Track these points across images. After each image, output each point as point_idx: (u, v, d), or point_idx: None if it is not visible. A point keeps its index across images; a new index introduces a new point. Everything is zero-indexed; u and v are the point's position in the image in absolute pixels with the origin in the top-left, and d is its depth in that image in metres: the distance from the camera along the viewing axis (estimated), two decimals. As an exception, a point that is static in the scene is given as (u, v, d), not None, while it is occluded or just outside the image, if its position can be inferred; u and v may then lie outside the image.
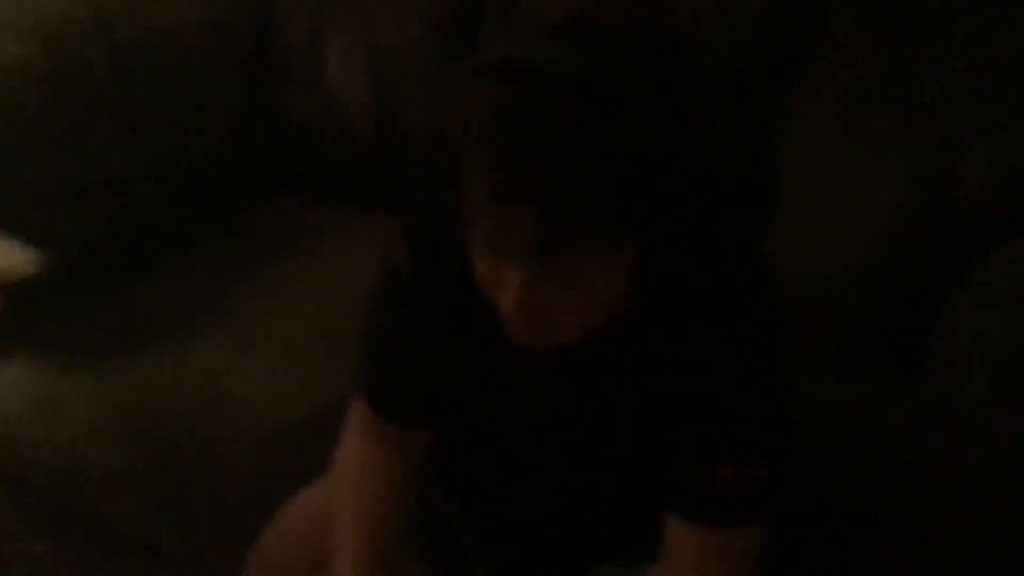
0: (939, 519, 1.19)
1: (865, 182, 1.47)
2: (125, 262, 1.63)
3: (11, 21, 1.67)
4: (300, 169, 1.84)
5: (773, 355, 1.03)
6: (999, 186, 1.41)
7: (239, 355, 1.52)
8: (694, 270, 1.02)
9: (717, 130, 1.51)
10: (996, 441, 1.18)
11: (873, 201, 1.46)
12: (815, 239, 1.49)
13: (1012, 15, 1.49)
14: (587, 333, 0.99)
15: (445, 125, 0.97)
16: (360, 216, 1.72)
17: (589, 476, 1.12)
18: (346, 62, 1.79)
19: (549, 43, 0.90)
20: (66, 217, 1.61)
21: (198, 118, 1.75)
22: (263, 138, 1.82)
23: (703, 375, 1.01)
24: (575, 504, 1.14)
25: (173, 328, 1.57)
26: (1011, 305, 1.25)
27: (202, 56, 1.76)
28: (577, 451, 1.10)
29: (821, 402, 1.32)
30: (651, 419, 1.04)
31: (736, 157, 1.57)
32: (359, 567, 1.15)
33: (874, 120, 1.48)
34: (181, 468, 1.45)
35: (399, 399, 1.17)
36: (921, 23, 1.53)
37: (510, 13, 1.69)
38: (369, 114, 1.77)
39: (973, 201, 1.42)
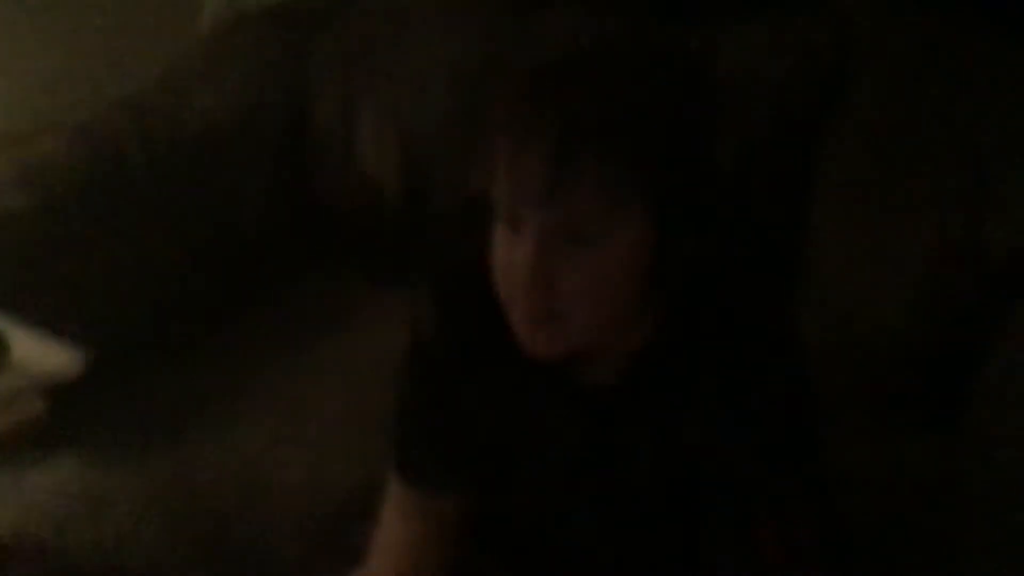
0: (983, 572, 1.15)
1: (897, 233, 1.46)
2: (163, 352, 1.64)
3: (55, 123, 1.73)
4: (334, 247, 1.85)
5: (805, 409, 1.03)
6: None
7: (278, 439, 1.52)
8: (715, 317, 1.03)
9: (746, 183, 1.50)
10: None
11: (906, 252, 1.45)
12: (848, 296, 1.48)
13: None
14: (593, 320, 0.98)
15: (472, 187, 1.00)
16: (393, 292, 1.72)
17: (620, 529, 1.10)
18: (377, 140, 1.81)
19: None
20: (106, 314, 1.63)
21: (233, 207, 1.78)
22: (298, 219, 1.85)
23: (725, 428, 1.01)
24: (608, 556, 1.11)
25: (212, 414, 1.57)
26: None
27: (235, 146, 1.79)
28: (606, 504, 1.09)
29: (860, 460, 1.29)
30: (678, 472, 1.03)
31: (765, 215, 1.56)
32: None
33: (904, 169, 1.47)
34: (226, 558, 1.44)
35: (431, 464, 1.16)
36: (951, 67, 1.52)
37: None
38: (401, 190, 1.79)
39: (1005, 254, 1.40)
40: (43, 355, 1.51)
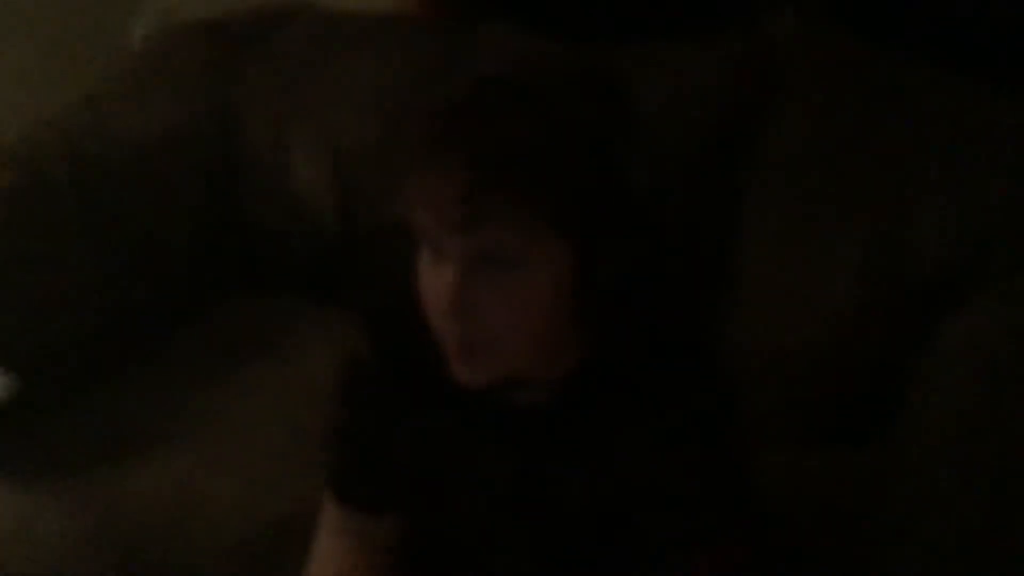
0: None
1: (823, 249, 1.49)
2: (92, 375, 1.63)
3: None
4: (267, 269, 1.85)
5: (727, 432, 1.05)
6: (956, 246, 1.43)
7: (212, 461, 1.51)
8: (635, 327, 1.05)
9: (670, 202, 1.52)
10: (962, 508, 1.18)
11: (832, 268, 1.48)
12: (776, 309, 1.51)
13: (962, 75, 1.52)
14: (520, 348, 1.00)
15: (401, 212, 1.02)
16: (327, 313, 1.73)
17: (553, 561, 1.11)
18: (309, 163, 1.81)
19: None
20: (33, 338, 1.61)
21: (162, 227, 1.77)
22: (229, 241, 1.84)
23: (654, 450, 1.03)
24: None
25: (144, 438, 1.56)
26: (973, 369, 1.25)
27: (165, 167, 1.78)
28: (539, 535, 1.10)
29: (787, 472, 1.32)
30: (610, 496, 1.04)
31: (690, 230, 1.58)
32: None
33: (831, 185, 1.50)
34: (159, 581, 1.43)
35: (364, 487, 1.18)
36: (872, 87, 1.56)
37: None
38: (333, 209, 1.79)
39: (931, 264, 1.43)
40: (-32, 380, 1.50)
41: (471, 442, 1.08)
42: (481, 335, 0.99)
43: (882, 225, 1.46)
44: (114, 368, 1.67)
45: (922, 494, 1.22)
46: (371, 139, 1.77)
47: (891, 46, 1.61)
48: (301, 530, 1.25)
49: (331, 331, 1.52)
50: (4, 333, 1.58)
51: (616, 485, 1.04)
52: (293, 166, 1.81)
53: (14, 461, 1.54)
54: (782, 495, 1.26)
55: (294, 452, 1.47)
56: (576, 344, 1.05)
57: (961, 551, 1.16)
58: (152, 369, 1.68)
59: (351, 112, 1.79)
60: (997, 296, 1.32)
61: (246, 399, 1.61)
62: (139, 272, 1.73)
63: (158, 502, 1.48)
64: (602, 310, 1.04)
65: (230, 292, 1.84)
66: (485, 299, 0.98)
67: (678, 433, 1.03)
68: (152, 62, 1.89)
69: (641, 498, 1.04)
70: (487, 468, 1.09)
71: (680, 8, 1.82)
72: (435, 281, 1.00)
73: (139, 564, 1.45)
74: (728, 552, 1.03)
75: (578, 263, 0.99)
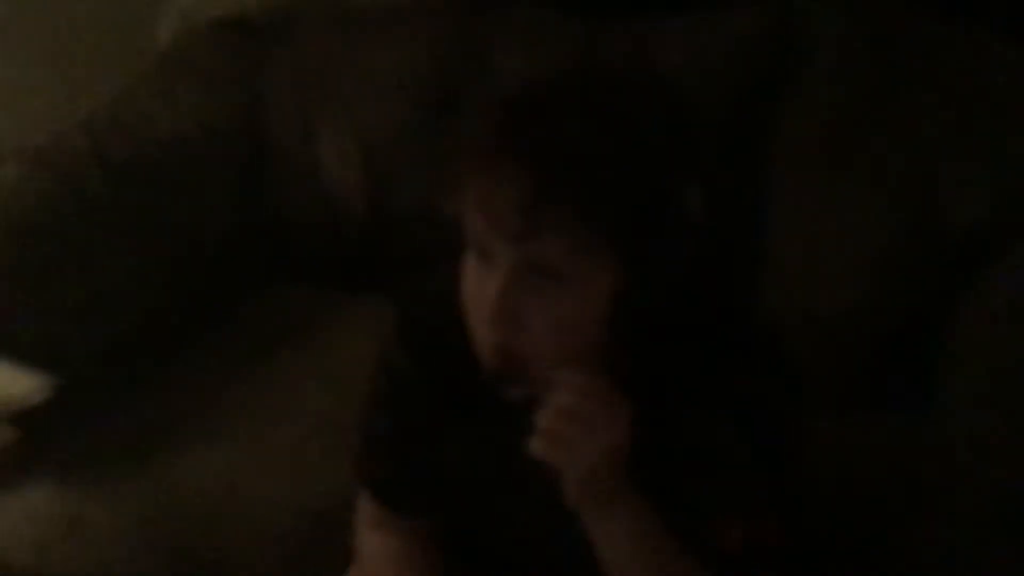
0: (950, 550, 1.17)
1: (852, 214, 1.48)
2: (132, 372, 1.64)
3: (12, 150, 1.73)
4: (301, 261, 1.85)
5: (781, 410, 1.03)
6: (985, 207, 1.42)
7: (251, 453, 1.52)
8: (680, 326, 1.02)
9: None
10: (1006, 468, 1.16)
11: (862, 233, 1.47)
12: (807, 277, 1.49)
13: (990, 38, 1.50)
14: (556, 357, 0.98)
15: (436, 201, 1.00)
16: (361, 302, 1.73)
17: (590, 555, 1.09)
18: (338, 154, 1.81)
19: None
20: (70, 338, 1.62)
21: (195, 224, 1.78)
22: (262, 235, 1.84)
23: (707, 436, 1.01)
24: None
25: (184, 431, 1.57)
26: (1011, 324, 1.24)
27: (196, 166, 1.79)
28: (577, 533, 1.07)
29: (826, 439, 1.30)
30: (653, 486, 1.02)
31: (719, 202, 1.57)
32: None
33: (857, 150, 1.49)
34: (203, 572, 1.44)
35: (404, 493, 1.17)
36: (899, 51, 1.53)
37: (492, 87, 1.72)
38: (362, 199, 1.79)
39: (961, 224, 1.42)
40: (10, 382, 1.51)
41: (508, 447, 1.05)
42: (521, 346, 0.97)
43: (910, 186, 1.44)
44: (154, 365, 1.68)
45: (962, 453, 1.21)
46: (398, 127, 1.77)
47: (910, 7, 1.59)
48: (342, 521, 1.25)
49: (366, 321, 1.52)
50: (42, 334, 1.60)
51: (664, 472, 1.02)
52: (321, 157, 1.81)
53: (58, 459, 1.56)
54: (820, 461, 1.26)
55: (335, 441, 1.46)
56: (612, 353, 1.01)
57: (998, 516, 1.14)
58: (192, 365, 1.69)
59: (377, 100, 1.79)
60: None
61: (283, 391, 1.62)
62: (175, 270, 1.74)
63: (202, 495, 1.49)
64: (644, 322, 1.00)
65: (268, 285, 1.84)
66: (530, 310, 0.96)
67: (730, 413, 1.01)
68: (178, 60, 1.90)
69: (685, 478, 1.02)
70: (524, 472, 1.06)
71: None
72: (479, 286, 0.98)
73: (186, 557, 1.46)
74: (762, 527, 1.01)
75: (628, 280, 0.96)
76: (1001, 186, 1.41)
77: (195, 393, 1.64)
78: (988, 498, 1.17)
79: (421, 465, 1.14)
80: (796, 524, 1.03)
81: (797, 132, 1.54)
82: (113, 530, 1.50)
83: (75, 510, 1.52)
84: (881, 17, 1.58)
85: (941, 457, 1.26)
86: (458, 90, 1.74)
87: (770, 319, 1.16)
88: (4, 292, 1.59)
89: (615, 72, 1.03)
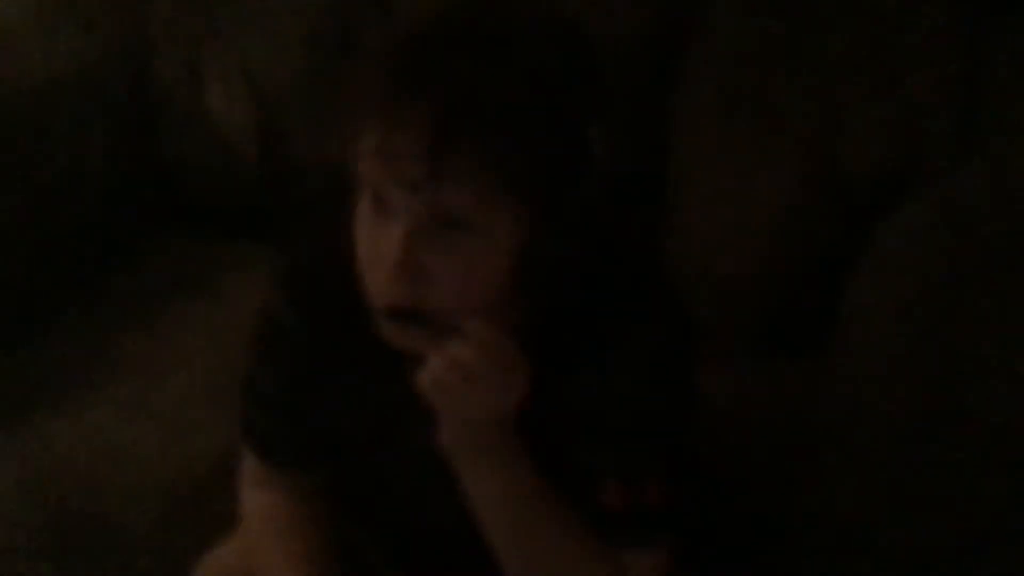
0: (844, 494, 1.18)
1: (754, 162, 1.46)
2: (8, 326, 1.58)
3: None
4: (188, 205, 1.79)
5: (672, 370, 1.01)
6: (884, 154, 1.41)
7: (134, 407, 1.48)
8: (586, 275, 0.99)
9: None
10: (894, 413, 1.17)
11: (764, 183, 1.45)
12: (709, 226, 1.48)
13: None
14: (459, 307, 0.94)
15: (331, 150, 0.95)
16: (252, 250, 1.68)
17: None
18: (226, 92, 1.74)
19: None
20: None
21: (74, 167, 1.69)
22: (149, 179, 1.78)
23: (597, 393, 0.99)
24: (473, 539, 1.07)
25: (65, 386, 1.52)
26: (902, 276, 1.24)
27: (74, 104, 1.70)
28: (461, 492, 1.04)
29: (726, 386, 1.30)
30: (537, 443, 1.00)
31: (620, 151, 1.55)
32: None
33: (758, 99, 1.48)
34: (84, 532, 1.39)
35: (287, 447, 1.14)
36: (800, 8, 1.51)
37: (389, 27, 1.66)
38: (254, 143, 1.73)
39: (863, 168, 1.41)
40: None
41: (396, 402, 1.02)
42: (424, 299, 0.92)
43: (813, 134, 1.43)
44: (35, 316, 1.61)
45: (854, 401, 1.21)
46: (292, 68, 1.71)
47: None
48: (226, 475, 1.21)
49: (260, 273, 1.47)
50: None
51: (551, 427, 1.00)
52: (209, 99, 1.74)
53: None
54: (723, 411, 1.26)
55: (221, 395, 1.43)
56: (516, 302, 0.98)
57: (892, 459, 1.15)
58: (73, 316, 1.63)
59: (268, 40, 1.72)
60: (929, 198, 1.29)
61: (169, 344, 1.57)
62: (53, 214, 1.67)
63: (82, 454, 1.44)
64: (551, 271, 0.97)
65: (155, 233, 1.77)
66: (433, 262, 0.91)
67: (623, 369, 0.99)
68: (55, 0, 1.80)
69: (571, 434, 1.00)
70: (412, 428, 1.03)
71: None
72: (376, 236, 0.93)
73: (67, 517, 1.40)
74: (643, 489, 0.99)
75: (534, 228, 0.93)
76: (902, 133, 1.40)
77: (78, 348, 1.58)
78: (883, 439, 1.18)
79: (304, 419, 1.11)
80: (677, 483, 1.02)
81: (698, 81, 1.52)
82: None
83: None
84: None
85: (835, 404, 1.26)
86: (354, 30, 1.68)
87: (669, 271, 1.14)
88: None
89: (516, 11, 0.97)
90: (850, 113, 1.42)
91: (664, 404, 1.00)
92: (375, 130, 0.90)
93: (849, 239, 1.38)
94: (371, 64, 0.93)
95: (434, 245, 0.91)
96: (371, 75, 0.92)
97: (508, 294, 0.96)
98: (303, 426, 1.11)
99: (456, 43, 0.91)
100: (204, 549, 1.23)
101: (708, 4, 1.53)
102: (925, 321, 1.19)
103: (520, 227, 0.92)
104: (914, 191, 1.34)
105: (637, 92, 1.54)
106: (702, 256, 1.46)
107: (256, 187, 1.75)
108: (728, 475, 1.26)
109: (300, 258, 1.11)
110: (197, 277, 1.68)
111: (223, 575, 1.21)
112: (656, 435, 1.00)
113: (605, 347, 0.99)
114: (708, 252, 1.47)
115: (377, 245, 0.93)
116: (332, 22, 1.70)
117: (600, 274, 1.00)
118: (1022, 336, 1.16)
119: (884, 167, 1.41)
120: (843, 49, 1.44)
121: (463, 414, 0.96)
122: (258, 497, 1.16)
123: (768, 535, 1.25)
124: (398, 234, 0.91)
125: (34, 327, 1.60)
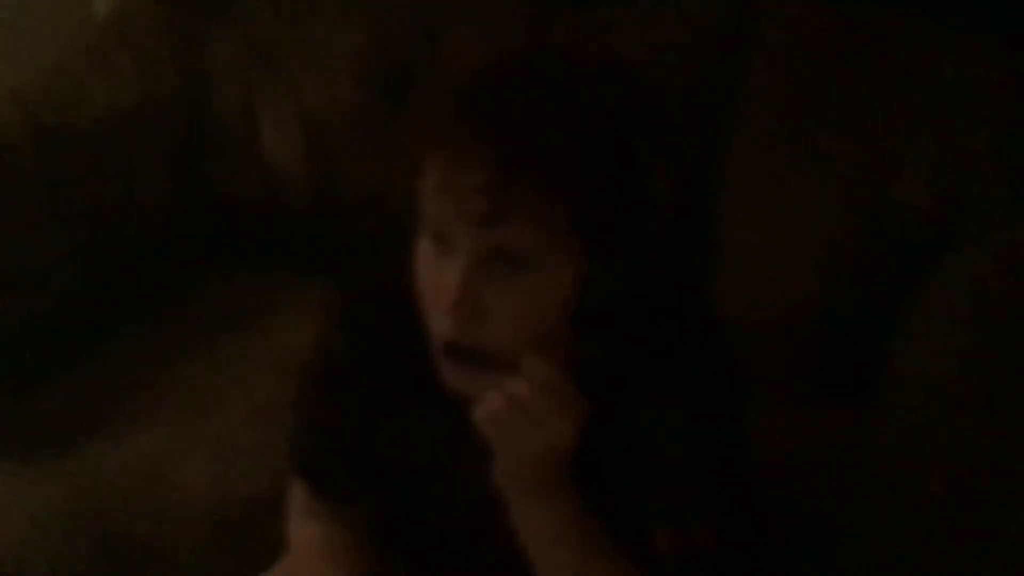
0: (895, 542, 1.16)
1: (802, 204, 1.46)
2: (61, 353, 1.59)
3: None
4: (240, 241, 1.81)
5: (724, 413, 1.00)
6: (940, 196, 1.41)
7: (182, 437, 1.48)
8: (641, 314, 0.98)
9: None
10: (949, 467, 1.15)
11: (812, 224, 1.45)
12: (758, 270, 1.48)
13: (940, 22, 1.50)
14: (516, 345, 0.94)
15: (385, 184, 0.97)
16: (302, 284, 1.69)
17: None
18: (280, 130, 1.76)
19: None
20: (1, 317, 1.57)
21: (131, 201, 1.72)
22: (201, 214, 1.80)
23: (649, 434, 0.98)
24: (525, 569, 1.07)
25: (113, 415, 1.53)
26: (959, 326, 1.23)
27: (132, 139, 1.73)
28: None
29: (773, 437, 1.29)
30: (588, 483, 0.99)
31: (684, 189, 1.55)
32: None
33: (808, 139, 1.48)
34: (130, 558, 1.39)
35: (338, 481, 1.14)
36: (850, 40, 1.53)
37: (441, 67, 1.69)
38: (306, 180, 1.75)
39: (915, 213, 1.41)
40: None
41: (446, 438, 1.03)
42: (483, 336, 0.93)
43: (861, 175, 1.43)
44: (85, 345, 1.63)
45: (907, 453, 1.20)
46: (344, 107, 1.73)
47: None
48: (274, 506, 1.22)
49: (309, 306, 1.48)
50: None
51: (603, 468, 1.00)
52: (264, 136, 1.77)
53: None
54: (774, 461, 1.25)
55: (267, 427, 1.43)
56: (573, 340, 0.98)
57: (945, 513, 1.13)
58: (125, 345, 1.65)
59: (322, 79, 1.75)
60: (986, 248, 1.29)
61: (219, 374, 1.58)
62: (107, 247, 1.69)
63: (129, 480, 1.44)
64: (608, 309, 0.97)
65: (208, 266, 1.80)
66: (492, 299, 0.92)
67: (674, 410, 0.98)
68: (116, 32, 1.84)
69: (623, 477, 1.00)
70: (461, 464, 1.04)
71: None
72: (436, 273, 0.94)
73: (114, 543, 1.41)
74: (695, 532, 0.99)
75: (594, 266, 0.93)
76: (951, 174, 1.41)
77: (128, 376, 1.59)
78: (936, 494, 1.15)
79: (355, 453, 1.11)
80: (730, 529, 1.01)
81: (750, 122, 1.53)
82: (39, 515, 1.44)
83: (-1, 495, 1.48)
84: (836, 4, 1.56)
85: (885, 455, 1.24)
86: (407, 70, 1.71)
87: (719, 311, 1.14)
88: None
89: (576, 53, 0.99)
90: (900, 155, 1.43)
91: (716, 447, 1.00)
92: (439, 167, 0.92)
93: (896, 283, 1.37)
94: (434, 102, 0.94)
95: (494, 282, 0.92)
96: (434, 113, 0.93)
97: (565, 332, 0.96)
98: (356, 460, 1.11)
99: (519, 81, 0.92)
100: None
101: (761, 46, 1.54)
102: (983, 373, 1.18)
103: (580, 265, 0.93)
104: (967, 238, 1.34)
105: (689, 131, 1.55)
106: (751, 298, 1.46)
107: (308, 222, 1.77)
108: (773, 522, 1.25)
109: (358, 293, 1.12)
110: (248, 309, 1.70)
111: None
112: (708, 479, 1.00)
113: (658, 388, 0.99)
114: (757, 293, 1.47)
115: (437, 282, 0.94)
116: (384, 61, 1.73)
117: (655, 314, 1.00)
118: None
119: (933, 211, 1.41)
120: (896, 95, 1.45)
121: (518, 450, 0.96)
122: (307, 528, 1.16)
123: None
124: (458, 270, 0.92)
125: (88, 354, 1.62)
